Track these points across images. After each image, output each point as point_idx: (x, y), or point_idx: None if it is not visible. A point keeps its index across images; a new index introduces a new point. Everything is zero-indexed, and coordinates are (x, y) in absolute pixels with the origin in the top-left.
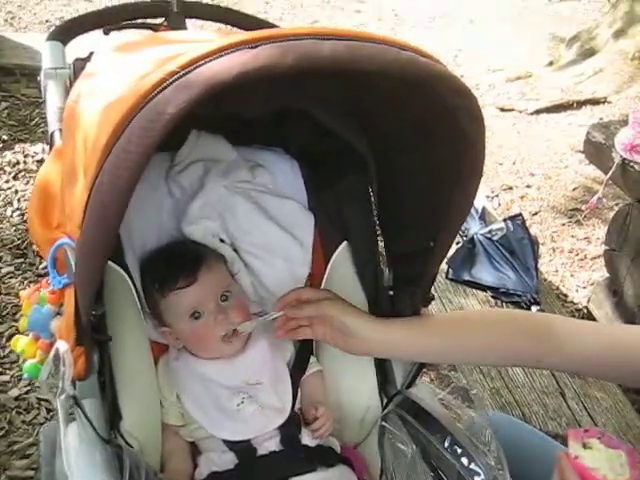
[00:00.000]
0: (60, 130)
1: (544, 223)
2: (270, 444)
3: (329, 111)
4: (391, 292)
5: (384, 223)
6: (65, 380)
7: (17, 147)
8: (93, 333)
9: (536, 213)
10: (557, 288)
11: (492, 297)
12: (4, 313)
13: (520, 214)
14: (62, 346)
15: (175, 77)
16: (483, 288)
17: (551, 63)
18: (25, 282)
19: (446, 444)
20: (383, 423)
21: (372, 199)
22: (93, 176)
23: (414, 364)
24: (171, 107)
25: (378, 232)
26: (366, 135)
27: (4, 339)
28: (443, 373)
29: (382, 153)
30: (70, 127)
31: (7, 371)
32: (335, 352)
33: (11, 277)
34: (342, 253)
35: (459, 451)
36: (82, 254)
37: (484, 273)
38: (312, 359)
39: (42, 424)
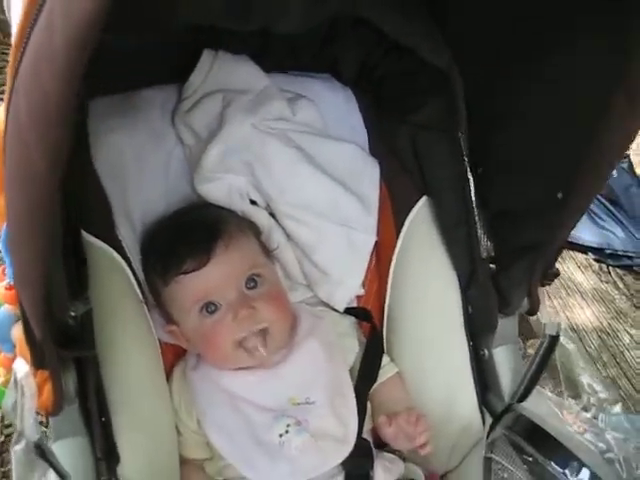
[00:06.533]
0: None
1: None
2: None
3: (395, 14)
4: (493, 266)
5: (484, 166)
6: (24, 419)
7: None
8: (65, 348)
9: None
10: None
11: (595, 260)
12: None
13: (627, 155)
14: (20, 369)
15: None
16: (584, 250)
17: None
18: None
19: None
20: (490, 455)
21: (460, 135)
22: (9, 88)
23: (531, 365)
24: None
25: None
26: (452, 46)
27: None
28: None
29: (475, 69)
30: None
31: None
32: (418, 348)
33: None
34: (421, 213)
35: None
36: (11, 231)
37: (584, 231)
38: (385, 359)
39: None
